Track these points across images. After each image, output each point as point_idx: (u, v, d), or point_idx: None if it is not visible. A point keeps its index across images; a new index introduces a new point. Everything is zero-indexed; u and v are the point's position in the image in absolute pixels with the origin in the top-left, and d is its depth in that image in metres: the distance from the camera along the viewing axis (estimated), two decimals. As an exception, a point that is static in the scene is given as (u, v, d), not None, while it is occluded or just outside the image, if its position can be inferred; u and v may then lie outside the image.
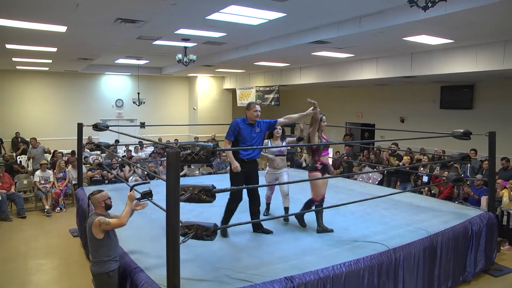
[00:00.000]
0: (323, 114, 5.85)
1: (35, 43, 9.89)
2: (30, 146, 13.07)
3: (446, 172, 9.23)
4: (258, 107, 5.57)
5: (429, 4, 4.54)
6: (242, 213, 6.47)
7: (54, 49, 10.94)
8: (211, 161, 3.85)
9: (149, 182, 4.84)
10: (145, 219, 5.56)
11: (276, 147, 6.17)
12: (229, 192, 5.49)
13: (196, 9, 6.94)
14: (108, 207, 4.40)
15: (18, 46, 10.39)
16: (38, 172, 10.55)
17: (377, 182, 10.60)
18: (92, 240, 4.23)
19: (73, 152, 13.31)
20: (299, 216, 5.99)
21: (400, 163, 10.78)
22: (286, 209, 6.25)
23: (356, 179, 10.46)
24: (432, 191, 9.93)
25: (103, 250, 4.22)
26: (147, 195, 4.54)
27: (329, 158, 6.17)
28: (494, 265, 6.64)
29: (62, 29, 8.13)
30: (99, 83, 18.95)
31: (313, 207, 5.80)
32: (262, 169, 8.87)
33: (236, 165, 5.33)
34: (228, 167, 6.12)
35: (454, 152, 7.13)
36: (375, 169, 11.02)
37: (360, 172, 10.82)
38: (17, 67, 15.57)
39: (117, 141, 14.97)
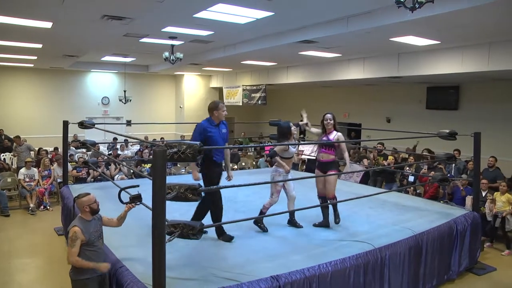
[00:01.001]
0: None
1: (19, 39, 9.76)
2: (15, 144, 12.92)
3: (432, 172, 9.31)
4: (225, 107, 5.47)
5: (417, 5, 4.57)
6: (228, 211, 6.46)
7: (39, 46, 10.80)
8: (198, 160, 3.83)
9: (138, 186, 4.74)
10: (130, 217, 5.51)
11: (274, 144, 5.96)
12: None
13: (184, 7, 6.91)
14: (94, 211, 4.19)
15: (1, 42, 10.23)
16: (22, 170, 10.42)
17: (360, 177, 10.64)
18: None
19: (56, 148, 13.17)
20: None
21: (386, 163, 10.85)
22: (293, 212, 5.89)
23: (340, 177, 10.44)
24: (418, 191, 10.01)
25: (82, 257, 4.00)
26: (136, 198, 4.45)
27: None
28: (478, 264, 6.73)
29: (48, 25, 8.03)
30: (85, 80, 18.78)
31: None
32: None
33: (198, 176, 5.30)
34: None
35: (439, 152, 7.20)
36: (358, 166, 11.05)
37: (346, 172, 10.79)
38: (0, 63, 15.35)
39: (115, 139, 14.75)
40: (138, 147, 14.72)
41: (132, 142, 15.15)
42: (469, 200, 8.28)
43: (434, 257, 5.79)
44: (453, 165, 10.01)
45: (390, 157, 10.99)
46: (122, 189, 4.41)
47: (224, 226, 5.30)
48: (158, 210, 3.49)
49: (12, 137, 14.73)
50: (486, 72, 9.12)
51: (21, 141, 12.72)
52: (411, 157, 10.98)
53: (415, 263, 5.48)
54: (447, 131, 6.59)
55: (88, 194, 4.22)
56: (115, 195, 6.74)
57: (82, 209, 4.13)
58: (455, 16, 6.33)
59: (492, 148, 10.27)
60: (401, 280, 5.26)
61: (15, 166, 12.46)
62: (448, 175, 9.47)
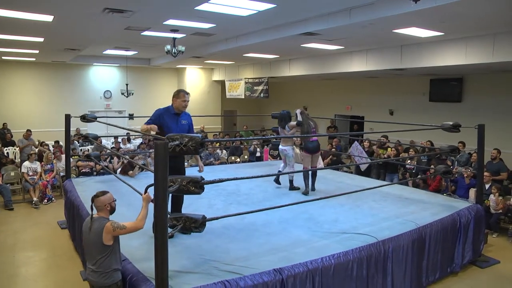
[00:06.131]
0: None
1: (21, 32, 9.72)
2: (22, 137, 12.94)
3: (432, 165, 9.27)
4: (187, 97, 5.36)
5: (420, -4, 4.53)
6: (231, 204, 6.48)
7: (41, 39, 10.77)
8: (200, 152, 3.81)
9: None
10: (132, 210, 5.52)
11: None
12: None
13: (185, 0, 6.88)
14: (113, 210, 4.04)
15: (3, 36, 10.20)
16: (26, 163, 10.43)
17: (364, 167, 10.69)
18: (98, 246, 3.81)
19: (56, 142, 13.18)
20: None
21: (385, 155, 10.83)
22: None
23: (345, 170, 10.44)
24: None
25: (113, 258, 3.85)
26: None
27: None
28: (481, 257, 6.71)
29: (49, 18, 7.99)
30: (87, 74, 18.72)
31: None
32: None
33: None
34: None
35: (443, 144, 7.17)
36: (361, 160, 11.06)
37: (350, 164, 10.82)
38: (2, 57, 15.35)
39: (128, 133, 14.70)
40: (141, 141, 14.71)
41: (135, 135, 15.13)
42: (472, 192, 8.24)
43: (437, 250, 5.78)
44: (454, 157, 9.96)
45: (389, 149, 10.98)
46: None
47: (228, 218, 5.29)
48: (160, 203, 3.48)
49: (14, 131, 14.83)
50: (491, 63, 9.05)
51: (29, 136, 12.81)
52: (412, 150, 10.96)
53: (418, 256, 5.47)
54: (451, 123, 6.55)
55: (106, 192, 4.06)
56: (118, 188, 6.77)
57: (103, 208, 3.96)
58: (459, 7, 6.25)
59: (496, 140, 10.23)
60: (404, 272, 5.25)
61: (18, 160, 12.48)
62: (451, 167, 9.44)
